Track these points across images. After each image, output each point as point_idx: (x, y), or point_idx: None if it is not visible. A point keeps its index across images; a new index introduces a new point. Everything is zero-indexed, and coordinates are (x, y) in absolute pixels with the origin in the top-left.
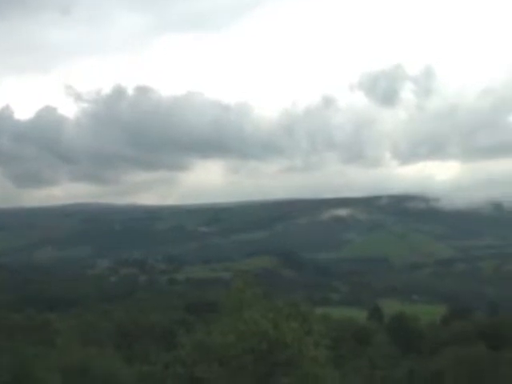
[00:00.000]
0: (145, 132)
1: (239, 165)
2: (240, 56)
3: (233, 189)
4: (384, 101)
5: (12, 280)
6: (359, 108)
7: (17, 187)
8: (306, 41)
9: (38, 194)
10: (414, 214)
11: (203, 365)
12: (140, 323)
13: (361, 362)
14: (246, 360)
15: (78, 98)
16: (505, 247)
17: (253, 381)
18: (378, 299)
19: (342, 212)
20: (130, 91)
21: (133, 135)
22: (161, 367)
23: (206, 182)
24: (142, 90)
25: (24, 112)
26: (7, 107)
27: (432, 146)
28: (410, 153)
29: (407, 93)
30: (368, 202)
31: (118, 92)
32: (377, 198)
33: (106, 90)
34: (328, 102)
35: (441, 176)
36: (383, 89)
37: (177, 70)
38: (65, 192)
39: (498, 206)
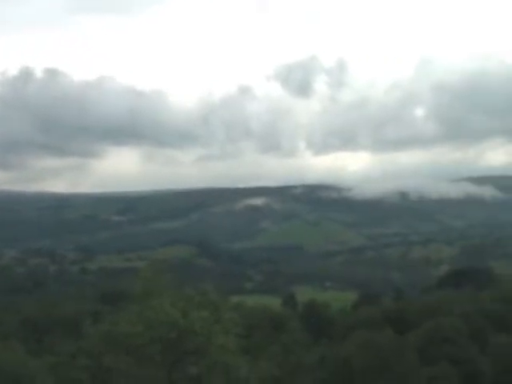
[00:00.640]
0: (54, 117)
1: (154, 153)
2: (156, 43)
3: (148, 177)
4: (299, 92)
5: None
6: (275, 98)
7: None
8: (224, 30)
9: None
10: (327, 204)
11: (110, 355)
12: (50, 315)
13: (275, 349)
14: (154, 349)
15: None
16: (410, 235)
17: (161, 370)
18: (292, 287)
19: (257, 201)
20: (39, 73)
21: (42, 120)
22: (67, 358)
23: (120, 169)
24: (51, 73)
25: None
26: None
27: (344, 138)
28: (324, 144)
29: (321, 84)
30: (283, 192)
31: (26, 74)
32: (291, 188)
33: (13, 71)
34: (244, 91)
35: (352, 166)
36: (298, 80)
37: (89, 54)
38: None
39: (404, 196)
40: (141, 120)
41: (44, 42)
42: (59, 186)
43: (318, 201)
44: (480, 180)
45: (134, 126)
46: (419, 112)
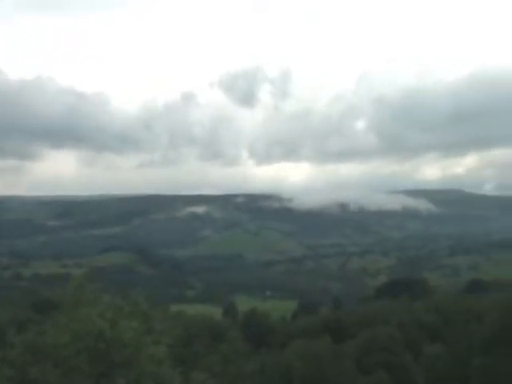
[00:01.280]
0: None
1: (94, 157)
2: (100, 45)
3: (87, 181)
4: (243, 101)
5: None
6: (218, 107)
7: None
8: (169, 36)
9: None
10: (269, 213)
11: (36, 366)
12: None
13: (214, 359)
14: (81, 360)
15: None
16: (348, 246)
17: (89, 381)
18: (233, 296)
19: (199, 209)
20: None
21: None
22: None
23: (58, 172)
24: None
25: None
26: None
27: (286, 148)
28: (266, 153)
29: (265, 94)
30: (224, 200)
31: None
32: (233, 197)
33: None
34: (188, 99)
35: (294, 177)
36: (242, 89)
37: (27, 52)
38: None
39: (344, 207)
40: (81, 122)
41: None
42: None
43: (259, 210)
44: (415, 193)
45: (73, 128)
46: (360, 125)
